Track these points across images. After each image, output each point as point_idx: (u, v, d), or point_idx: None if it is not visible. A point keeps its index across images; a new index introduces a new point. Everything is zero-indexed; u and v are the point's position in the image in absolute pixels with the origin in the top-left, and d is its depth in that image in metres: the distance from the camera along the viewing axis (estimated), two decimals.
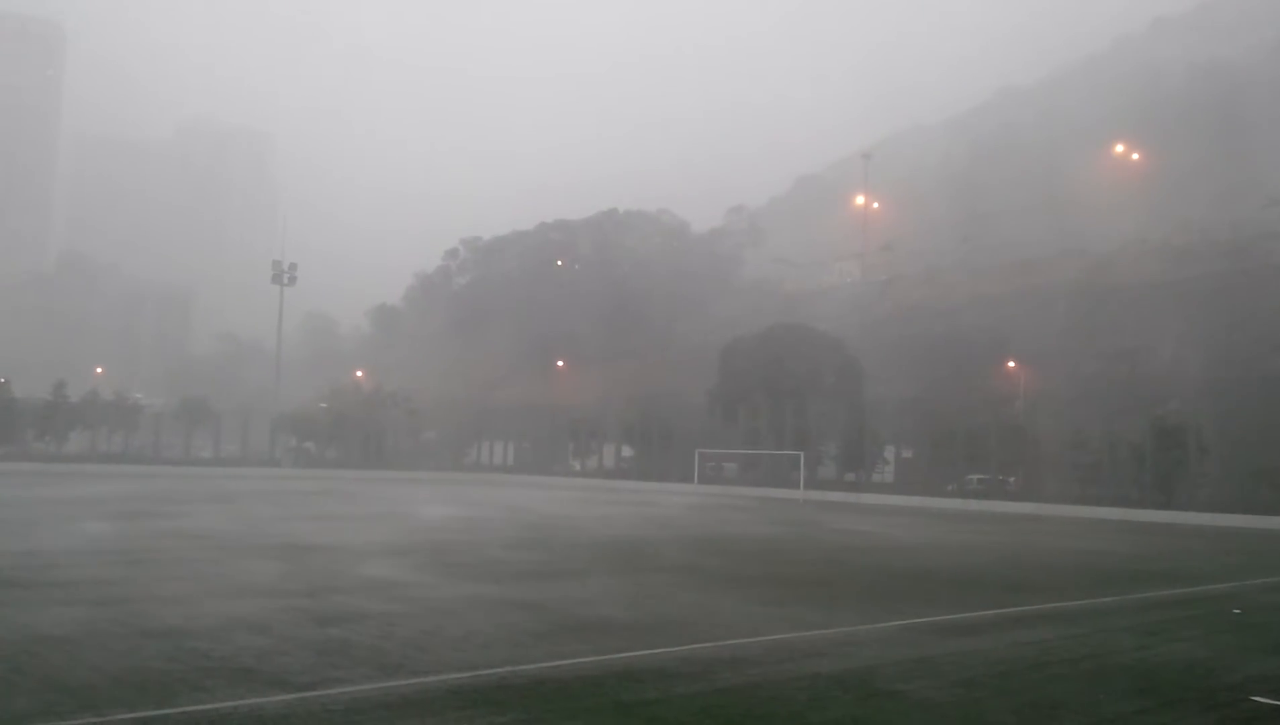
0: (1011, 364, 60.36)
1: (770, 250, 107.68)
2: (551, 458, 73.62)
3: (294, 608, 11.52)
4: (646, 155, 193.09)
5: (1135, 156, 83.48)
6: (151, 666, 8.31)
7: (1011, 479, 52.02)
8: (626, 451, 69.54)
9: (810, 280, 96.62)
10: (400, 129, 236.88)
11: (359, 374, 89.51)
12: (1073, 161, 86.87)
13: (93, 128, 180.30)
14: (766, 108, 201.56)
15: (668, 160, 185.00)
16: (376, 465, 70.40)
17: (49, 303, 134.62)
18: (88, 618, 10.41)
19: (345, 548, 19.06)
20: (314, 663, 8.69)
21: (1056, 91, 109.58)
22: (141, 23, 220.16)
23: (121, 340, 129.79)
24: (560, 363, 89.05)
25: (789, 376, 61.18)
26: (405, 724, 6.88)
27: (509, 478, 66.59)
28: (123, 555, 16.54)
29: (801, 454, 54.55)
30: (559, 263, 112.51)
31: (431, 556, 18.00)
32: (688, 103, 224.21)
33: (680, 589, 14.63)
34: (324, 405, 77.64)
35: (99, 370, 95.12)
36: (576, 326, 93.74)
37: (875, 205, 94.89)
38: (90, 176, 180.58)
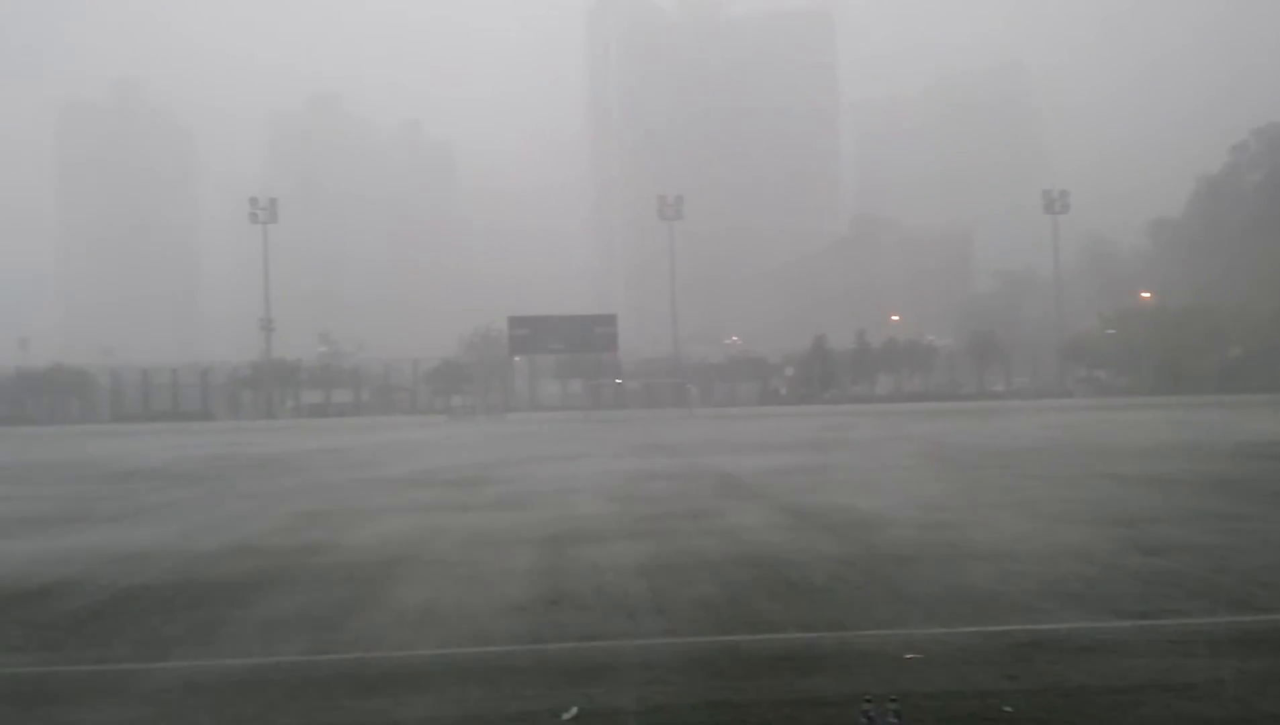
0: None
1: None
2: None
3: (1114, 536, 11.45)
4: None
5: None
6: (983, 587, 9.02)
7: None
8: None
9: None
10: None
11: (1145, 295, 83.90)
12: None
13: (863, 96, 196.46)
14: None
15: None
16: (1173, 391, 65.42)
17: (846, 263, 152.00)
18: (921, 539, 11.68)
19: (1158, 476, 18.18)
20: (1143, 592, 8.60)
21: None
22: None
23: (910, 288, 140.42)
24: None
25: None
26: (1262, 661, 6.51)
27: None
28: (941, 484, 17.95)
29: None
30: None
31: (1254, 486, 16.30)
32: None
33: None
34: (1110, 331, 74.54)
35: (894, 318, 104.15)
36: None
37: None
38: (866, 142, 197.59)
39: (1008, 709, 5.83)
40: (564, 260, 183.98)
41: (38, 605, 9.33)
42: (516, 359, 75.75)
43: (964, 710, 5.85)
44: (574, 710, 5.94)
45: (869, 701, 4.75)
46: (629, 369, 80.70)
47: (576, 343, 73.75)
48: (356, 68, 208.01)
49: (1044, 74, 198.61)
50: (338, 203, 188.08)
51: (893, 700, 4.84)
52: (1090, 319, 79.56)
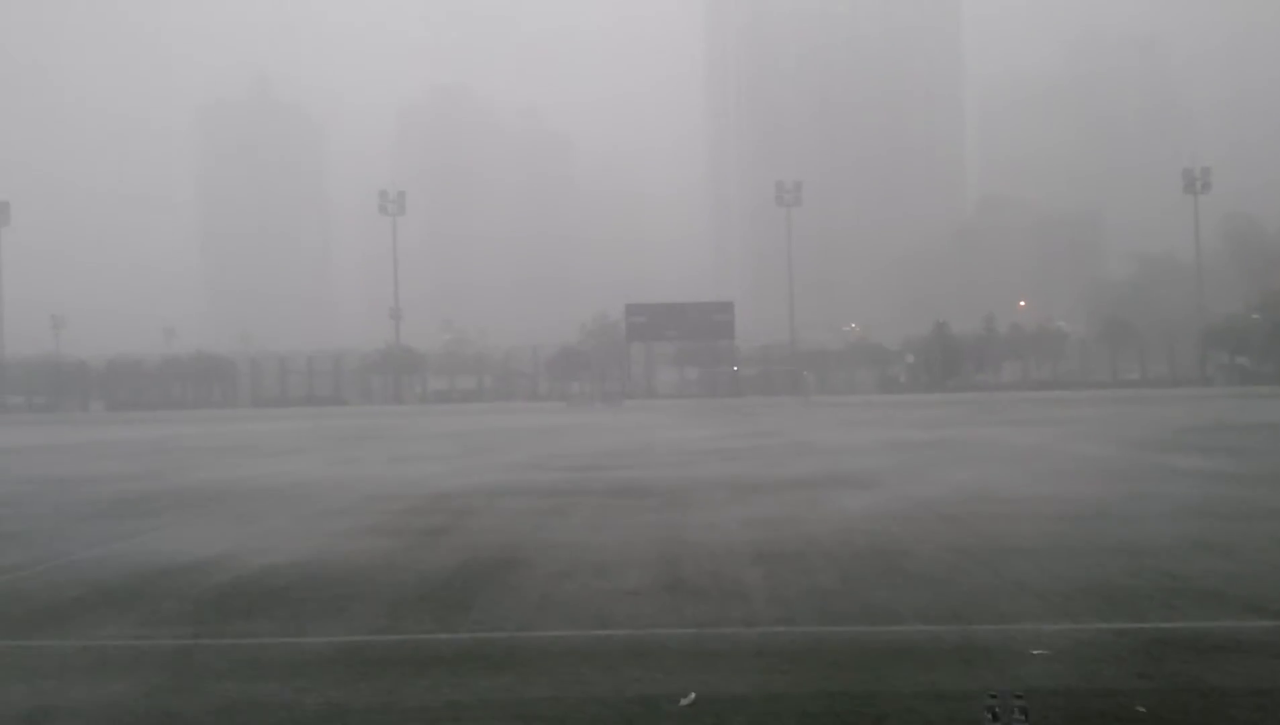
0: None
1: None
2: None
3: (1256, 532, 10.91)
4: None
5: None
6: (1116, 582, 8.70)
7: None
8: None
9: None
10: None
11: None
12: None
13: (990, 73, 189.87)
14: None
15: None
16: None
17: (970, 246, 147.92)
18: (1055, 531, 11.34)
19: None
20: None
21: None
22: None
23: (1038, 271, 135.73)
24: None
25: None
26: None
27: None
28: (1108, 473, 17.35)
29: None
30: None
31: None
32: None
33: None
34: (1256, 316, 70.63)
35: (1021, 303, 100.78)
36: None
37: None
38: (994, 121, 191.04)
39: (1140, 709, 5.66)
40: (682, 247, 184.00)
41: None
42: (633, 346, 76.20)
43: (1094, 709, 5.70)
44: (692, 695, 6.01)
45: (994, 697, 4.69)
46: (746, 356, 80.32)
47: (693, 330, 73.79)
48: (479, 58, 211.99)
49: (1184, 45, 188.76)
50: (462, 192, 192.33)
51: (1019, 697, 4.76)
52: (1232, 303, 75.50)
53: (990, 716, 4.59)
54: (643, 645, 7.21)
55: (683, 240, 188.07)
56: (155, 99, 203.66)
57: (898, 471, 18.50)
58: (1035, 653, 6.67)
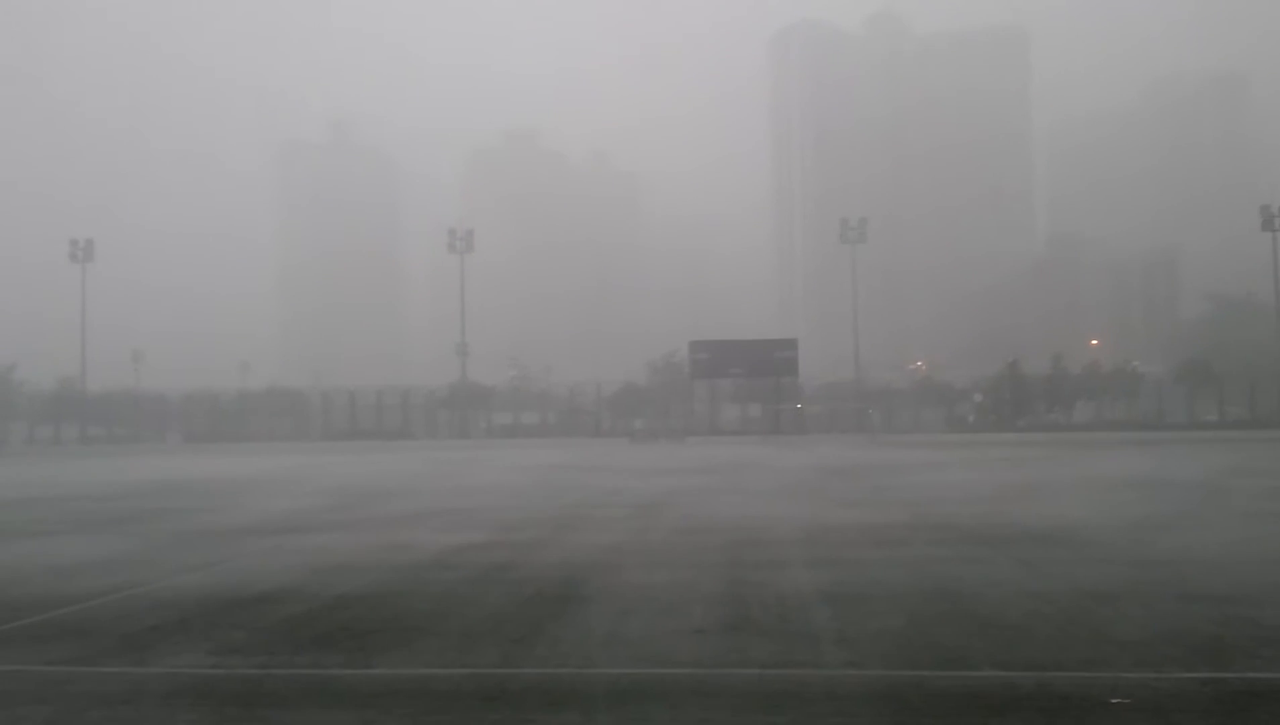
0: None
1: None
2: None
3: None
4: None
5: None
6: (1200, 629, 8.44)
7: None
8: None
9: None
10: None
11: None
12: None
13: (1062, 111, 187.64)
14: None
15: None
16: None
17: (1041, 285, 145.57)
18: (1130, 577, 10.98)
19: None
20: None
21: None
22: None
23: (1110, 311, 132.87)
24: None
25: None
26: None
27: None
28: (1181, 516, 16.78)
29: None
30: None
31: None
32: None
33: None
34: None
35: (1094, 342, 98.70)
36: None
37: None
38: (1065, 158, 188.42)
39: None
40: (748, 284, 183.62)
41: None
42: (696, 383, 75.90)
43: None
44: None
45: None
46: (810, 394, 79.58)
47: (757, 367, 73.24)
48: (550, 103, 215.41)
49: (1262, 81, 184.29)
50: (531, 231, 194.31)
51: None
52: None
53: None
54: None
55: (748, 277, 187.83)
56: (235, 140, 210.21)
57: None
58: None
